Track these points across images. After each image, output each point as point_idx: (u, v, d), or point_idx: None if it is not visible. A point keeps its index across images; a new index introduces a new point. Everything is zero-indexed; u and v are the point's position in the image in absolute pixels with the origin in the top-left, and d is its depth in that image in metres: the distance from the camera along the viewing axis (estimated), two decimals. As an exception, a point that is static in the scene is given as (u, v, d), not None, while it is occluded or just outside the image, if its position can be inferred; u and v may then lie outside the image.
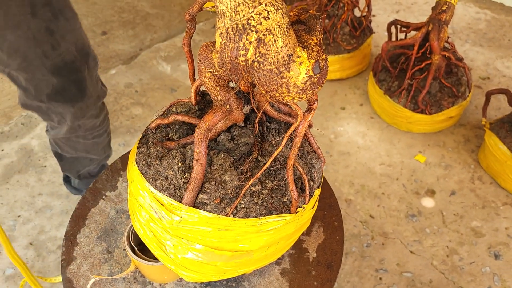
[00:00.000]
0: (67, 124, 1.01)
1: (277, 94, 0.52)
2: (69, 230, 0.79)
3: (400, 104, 1.52)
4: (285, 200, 0.61)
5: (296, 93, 0.51)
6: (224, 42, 0.49)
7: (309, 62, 0.50)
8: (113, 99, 1.77)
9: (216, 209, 0.58)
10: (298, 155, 0.66)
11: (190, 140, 0.62)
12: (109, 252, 0.76)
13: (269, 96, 0.52)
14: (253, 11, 0.47)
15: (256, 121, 0.62)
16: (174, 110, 0.68)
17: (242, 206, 0.58)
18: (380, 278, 1.21)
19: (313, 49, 0.51)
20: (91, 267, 0.73)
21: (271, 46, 0.48)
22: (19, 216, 1.39)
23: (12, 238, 1.33)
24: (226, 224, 0.58)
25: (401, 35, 1.67)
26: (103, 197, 0.84)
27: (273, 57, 0.49)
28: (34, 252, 1.29)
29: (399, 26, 1.56)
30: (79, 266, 0.74)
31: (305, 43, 0.51)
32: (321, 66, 0.51)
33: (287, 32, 0.49)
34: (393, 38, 1.61)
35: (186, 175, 0.58)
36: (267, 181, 0.61)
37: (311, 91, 0.52)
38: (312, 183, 0.66)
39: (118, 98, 1.78)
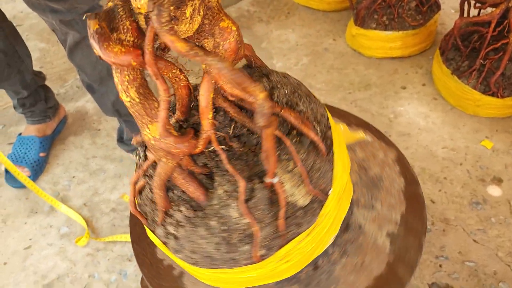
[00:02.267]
0: (65, 24, 1.00)
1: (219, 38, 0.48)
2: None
3: (470, 85, 1.42)
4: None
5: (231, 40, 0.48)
6: None
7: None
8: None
9: None
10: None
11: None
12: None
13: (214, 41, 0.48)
14: None
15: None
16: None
17: None
18: (440, 266, 1.15)
19: None
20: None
21: None
22: (73, 177, 1.40)
23: (67, 198, 1.35)
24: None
25: (474, 12, 1.56)
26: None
27: None
28: (88, 213, 1.30)
29: (472, 2, 1.45)
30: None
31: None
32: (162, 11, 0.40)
33: None
34: (465, 15, 1.51)
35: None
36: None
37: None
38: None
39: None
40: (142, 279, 1.15)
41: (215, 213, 0.52)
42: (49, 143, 1.46)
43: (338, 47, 1.80)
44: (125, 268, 1.18)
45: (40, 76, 1.41)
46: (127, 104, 0.47)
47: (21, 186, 1.35)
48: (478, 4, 1.43)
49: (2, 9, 1.24)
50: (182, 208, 0.54)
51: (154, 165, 0.55)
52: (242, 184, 0.50)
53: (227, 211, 0.52)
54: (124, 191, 1.35)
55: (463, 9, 1.48)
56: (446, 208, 1.27)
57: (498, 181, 1.32)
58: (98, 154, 1.46)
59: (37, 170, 1.39)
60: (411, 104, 1.56)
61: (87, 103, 1.64)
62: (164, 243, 0.58)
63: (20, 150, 1.40)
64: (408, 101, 1.57)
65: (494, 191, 1.30)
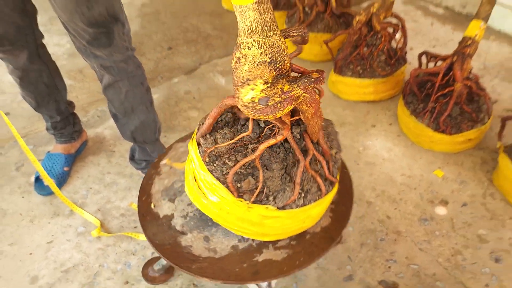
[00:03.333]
0: (104, 68, 1.30)
1: (236, 96, 0.76)
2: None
3: (424, 124, 1.71)
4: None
5: (241, 105, 0.74)
6: (233, 57, 0.73)
7: (260, 93, 0.72)
8: (173, 102, 2.07)
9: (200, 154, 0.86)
10: (284, 173, 0.88)
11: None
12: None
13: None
14: (245, 39, 0.70)
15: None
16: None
17: (216, 165, 0.87)
18: (389, 267, 1.39)
19: (273, 90, 0.72)
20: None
21: (241, 66, 0.71)
22: (90, 188, 1.68)
23: (84, 204, 1.61)
24: (199, 169, 0.85)
25: (432, 65, 1.87)
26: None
27: (239, 73, 0.72)
28: (101, 216, 1.57)
29: (428, 56, 1.77)
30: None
31: (274, 83, 0.72)
32: (269, 103, 0.72)
33: (257, 65, 0.70)
34: (423, 67, 1.82)
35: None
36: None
37: (252, 112, 0.74)
38: (270, 199, 0.88)
39: (178, 102, 2.07)
40: (143, 267, 1.39)
41: None
42: (72, 160, 1.75)
43: (320, 91, 2.11)
44: (129, 260, 1.43)
45: (71, 105, 1.72)
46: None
47: (46, 194, 1.62)
48: (432, 58, 1.75)
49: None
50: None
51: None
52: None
53: None
54: (132, 200, 1.62)
55: (421, 62, 1.80)
56: (399, 222, 1.51)
57: (444, 203, 1.58)
58: (112, 170, 1.74)
59: (61, 181, 1.67)
60: (379, 139, 1.84)
61: (105, 130, 1.94)
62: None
63: (48, 164, 1.68)
64: (376, 137, 1.85)
65: (441, 211, 1.55)
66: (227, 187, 0.84)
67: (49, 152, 1.74)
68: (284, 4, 2.53)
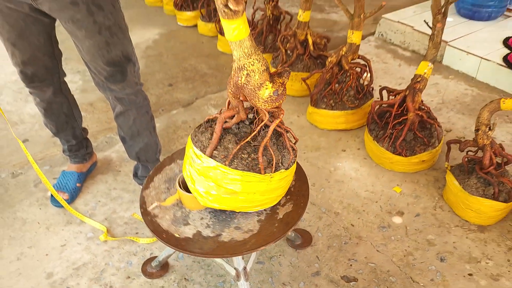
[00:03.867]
0: (117, 99, 1.60)
1: (254, 102, 1.06)
2: (151, 175, 1.34)
3: (384, 147, 2.01)
4: (259, 167, 1.13)
5: (262, 102, 1.05)
6: (234, 74, 1.05)
7: (271, 89, 1.04)
8: (172, 130, 2.38)
9: (221, 161, 1.10)
10: (276, 148, 1.18)
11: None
12: (168, 189, 1.30)
13: (250, 102, 1.07)
14: (247, 60, 1.02)
15: (257, 123, 1.16)
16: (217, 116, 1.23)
17: (235, 163, 1.11)
18: (351, 265, 1.64)
19: (276, 84, 1.05)
20: (156, 194, 1.28)
21: (252, 77, 1.03)
22: (99, 201, 1.95)
23: (93, 214, 1.88)
24: (225, 170, 1.10)
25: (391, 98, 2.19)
26: (175, 161, 1.40)
27: (252, 82, 1.03)
28: (108, 224, 1.83)
29: (387, 91, 2.09)
30: (150, 191, 1.28)
31: (274, 81, 1.05)
32: (279, 93, 1.04)
33: (262, 73, 1.02)
34: (383, 99, 2.14)
35: (209, 141, 1.12)
36: (251, 154, 1.13)
37: (270, 103, 1.05)
38: (280, 165, 1.17)
39: (176, 130, 2.38)
40: (142, 265, 1.65)
41: None
42: (84, 177, 2.03)
43: (300, 121, 2.43)
44: (131, 259, 1.69)
45: (85, 131, 2.02)
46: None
47: (61, 206, 1.90)
48: (390, 92, 2.07)
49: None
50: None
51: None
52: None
53: None
54: (135, 211, 1.89)
55: (382, 95, 2.12)
56: (361, 229, 1.78)
57: (401, 213, 1.85)
58: (118, 187, 2.02)
59: (74, 195, 1.95)
60: (348, 161, 2.13)
61: (112, 153, 2.23)
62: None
63: (63, 180, 1.96)
64: (345, 160, 2.15)
65: (397, 220, 1.82)
66: (257, 170, 1.11)
67: (64, 170, 2.03)
68: (270, 47, 2.89)
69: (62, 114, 1.83)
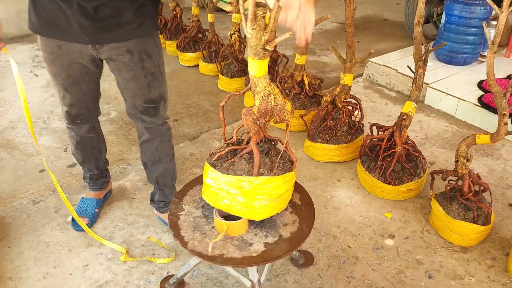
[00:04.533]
0: (146, 128, 1.83)
1: (283, 117, 1.30)
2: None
3: (375, 177, 2.24)
4: (287, 167, 1.36)
5: (289, 114, 1.30)
6: (261, 102, 1.28)
7: (290, 104, 1.29)
8: (181, 162, 2.58)
9: (267, 175, 1.32)
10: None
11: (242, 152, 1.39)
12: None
13: (280, 118, 1.30)
14: (270, 88, 1.26)
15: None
16: (226, 145, 1.45)
17: (278, 170, 1.34)
18: (349, 282, 1.83)
19: (288, 101, 1.31)
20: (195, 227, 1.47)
21: (278, 98, 1.27)
22: (116, 225, 2.12)
23: (112, 237, 2.05)
24: (272, 181, 1.32)
25: (380, 133, 2.44)
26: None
27: (280, 102, 1.27)
28: (126, 246, 2.00)
29: (377, 127, 2.34)
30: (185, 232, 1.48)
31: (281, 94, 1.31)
32: (293, 107, 1.30)
33: (281, 93, 1.28)
34: (374, 134, 2.38)
35: (251, 165, 1.34)
36: (280, 161, 1.37)
37: (293, 112, 1.31)
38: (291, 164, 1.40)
39: (184, 161, 2.58)
40: (161, 282, 1.81)
41: None
42: (102, 203, 2.20)
43: (298, 154, 2.66)
44: (149, 278, 1.85)
45: (106, 162, 2.20)
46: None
47: (81, 229, 2.06)
48: (379, 128, 2.32)
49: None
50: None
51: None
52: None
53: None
54: (151, 235, 2.06)
55: (372, 131, 2.37)
56: (358, 250, 1.98)
57: (392, 236, 2.06)
58: (133, 212, 2.20)
59: (93, 220, 2.11)
60: (343, 190, 2.35)
61: (126, 182, 2.42)
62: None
63: (83, 206, 2.13)
64: (340, 188, 2.37)
65: (389, 242, 2.03)
66: (288, 168, 1.36)
67: (83, 197, 2.20)
68: (269, 87, 3.15)
69: (90, 147, 2.03)
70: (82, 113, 1.85)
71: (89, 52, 1.60)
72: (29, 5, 1.54)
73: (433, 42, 3.81)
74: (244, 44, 3.47)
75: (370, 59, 3.60)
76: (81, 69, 1.67)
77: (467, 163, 1.92)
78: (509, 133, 1.78)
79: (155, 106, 1.75)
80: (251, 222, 1.46)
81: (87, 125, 1.92)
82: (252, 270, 1.52)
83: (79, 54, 1.61)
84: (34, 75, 3.77)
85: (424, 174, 2.25)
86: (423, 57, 2.16)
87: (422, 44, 2.17)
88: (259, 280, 1.53)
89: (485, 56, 3.57)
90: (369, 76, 3.61)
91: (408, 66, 2.35)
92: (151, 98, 1.72)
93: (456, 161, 1.94)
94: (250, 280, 1.53)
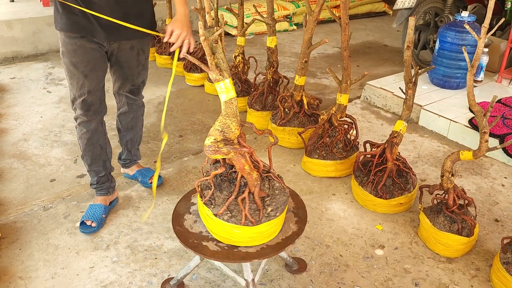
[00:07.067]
0: (128, 103, 2.34)
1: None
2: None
3: (367, 191, 2.36)
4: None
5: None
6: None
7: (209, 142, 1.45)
8: (184, 174, 2.72)
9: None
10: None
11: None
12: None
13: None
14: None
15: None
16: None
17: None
18: (340, 287, 1.94)
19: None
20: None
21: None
22: (122, 231, 2.25)
23: (117, 242, 2.17)
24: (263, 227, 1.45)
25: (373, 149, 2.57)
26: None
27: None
28: (130, 251, 2.12)
29: (370, 144, 2.48)
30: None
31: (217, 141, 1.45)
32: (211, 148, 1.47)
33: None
34: (367, 150, 2.52)
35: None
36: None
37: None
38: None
39: (187, 174, 2.72)
40: (162, 284, 1.92)
41: None
42: (108, 210, 2.33)
43: (296, 169, 2.79)
44: (151, 280, 1.96)
45: (112, 167, 2.36)
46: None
47: (89, 233, 2.19)
48: (372, 145, 2.46)
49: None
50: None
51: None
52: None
53: None
54: (154, 241, 2.18)
55: (365, 148, 2.51)
56: (349, 259, 2.09)
57: (382, 247, 2.17)
58: (137, 220, 2.32)
59: (100, 225, 2.24)
60: (337, 203, 2.48)
61: (131, 192, 2.55)
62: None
63: (91, 211, 2.26)
64: (335, 202, 2.49)
65: (379, 252, 2.14)
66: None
67: (91, 203, 2.33)
68: (270, 106, 3.31)
69: (98, 146, 2.21)
70: (95, 102, 2.10)
71: (104, 44, 2.01)
72: (57, 9, 1.93)
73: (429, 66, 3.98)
74: (248, 66, 3.64)
75: (367, 82, 3.76)
76: (99, 56, 2.02)
77: (452, 177, 2.05)
78: (489, 149, 1.91)
79: (138, 88, 2.29)
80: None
81: (97, 118, 2.16)
82: (247, 270, 1.63)
83: (96, 46, 1.99)
84: (47, 91, 3.96)
85: (413, 189, 2.38)
86: (413, 79, 2.31)
87: (412, 68, 2.32)
88: (253, 279, 1.65)
89: (478, 81, 3.73)
90: (366, 98, 3.77)
91: (400, 87, 2.50)
92: (137, 83, 2.25)
93: (442, 176, 2.07)
94: (244, 280, 1.65)
